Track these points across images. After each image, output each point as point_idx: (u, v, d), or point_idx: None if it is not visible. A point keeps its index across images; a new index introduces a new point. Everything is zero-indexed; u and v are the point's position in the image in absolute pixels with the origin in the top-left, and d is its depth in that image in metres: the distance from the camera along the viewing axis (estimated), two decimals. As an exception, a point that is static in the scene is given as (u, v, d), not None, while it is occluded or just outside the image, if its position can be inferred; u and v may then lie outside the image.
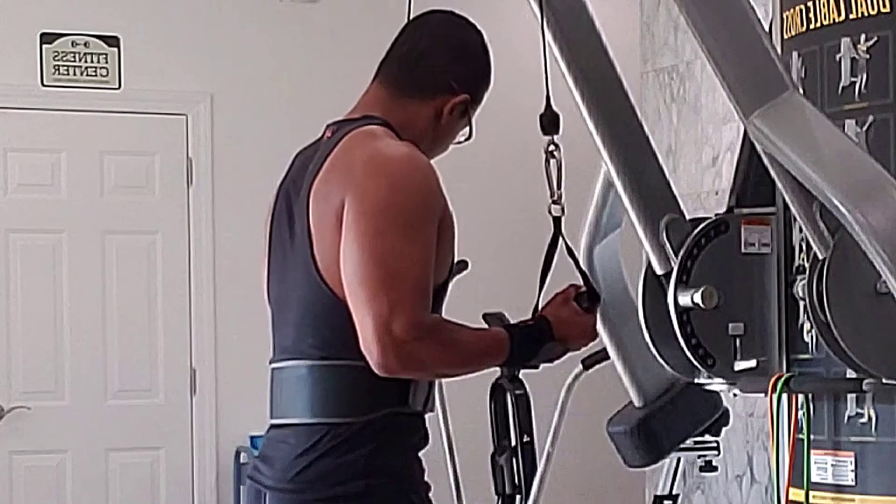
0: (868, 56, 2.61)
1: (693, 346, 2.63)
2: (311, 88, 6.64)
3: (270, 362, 2.91)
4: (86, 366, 6.48)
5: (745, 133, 2.61)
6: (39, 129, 6.48)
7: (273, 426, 2.88)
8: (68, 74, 6.47)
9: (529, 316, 2.90)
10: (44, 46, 6.44)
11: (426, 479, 2.86)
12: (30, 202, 6.45)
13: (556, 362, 2.95)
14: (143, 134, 6.59)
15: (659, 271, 2.68)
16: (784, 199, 2.56)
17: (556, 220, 2.84)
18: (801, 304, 2.61)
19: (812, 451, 2.64)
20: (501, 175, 6.86)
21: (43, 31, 6.44)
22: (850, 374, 2.55)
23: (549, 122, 2.81)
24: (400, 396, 2.78)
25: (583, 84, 2.73)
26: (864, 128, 2.61)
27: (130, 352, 6.55)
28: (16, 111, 6.44)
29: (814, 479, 2.65)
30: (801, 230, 2.62)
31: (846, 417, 2.62)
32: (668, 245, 2.67)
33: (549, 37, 2.73)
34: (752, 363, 2.64)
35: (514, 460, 4.07)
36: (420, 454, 2.86)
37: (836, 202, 2.37)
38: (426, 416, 2.87)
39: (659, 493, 3.99)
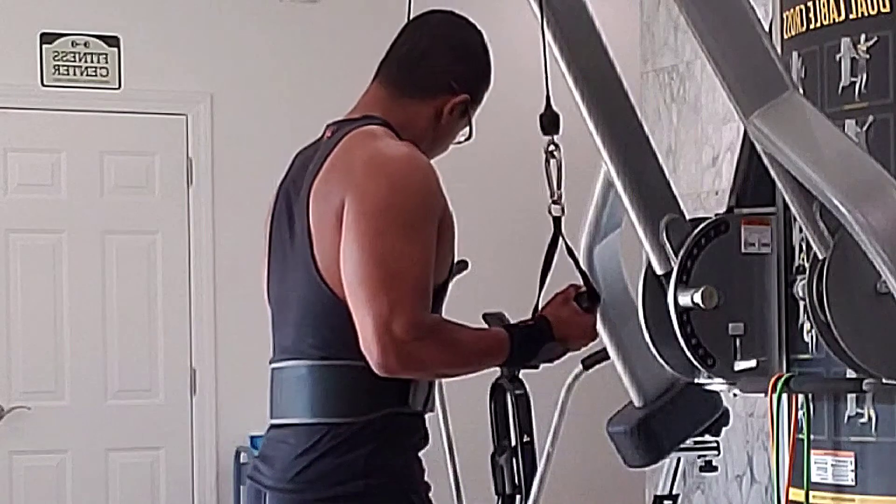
0: (868, 56, 2.61)
1: (693, 346, 2.63)
2: (311, 88, 6.64)
3: (270, 362, 2.91)
4: (86, 366, 6.48)
5: (745, 133, 2.61)
6: (39, 129, 6.48)
7: (273, 426, 2.88)
8: (68, 74, 6.47)
9: (529, 316, 2.90)
10: (44, 46, 6.44)
11: (426, 479, 2.86)
12: (30, 202, 6.45)
13: (556, 362, 2.95)
14: (143, 134, 6.59)
15: (659, 271, 2.68)
16: (784, 199, 2.56)
17: (556, 220, 2.84)
18: (801, 304, 2.61)
19: (812, 451, 2.64)
20: (501, 175, 6.86)
21: (43, 31, 6.44)
22: (850, 374, 2.55)
23: (549, 122, 2.81)
24: (400, 396, 2.78)
25: (583, 84, 2.73)
26: (864, 128, 2.61)
27: (130, 352, 6.55)
28: (16, 111, 6.44)
29: (814, 479, 2.65)
30: (801, 230, 2.62)
31: (846, 417, 2.62)
32: (668, 245, 2.67)
33: (549, 37, 2.73)
34: (752, 363, 2.64)
35: (514, 460, 4.07)
36: (420, 454, 2.86)
37: (836, 202, 2.37)
38: (426, 416, 2.87)
39: (659, 493, 3.99)
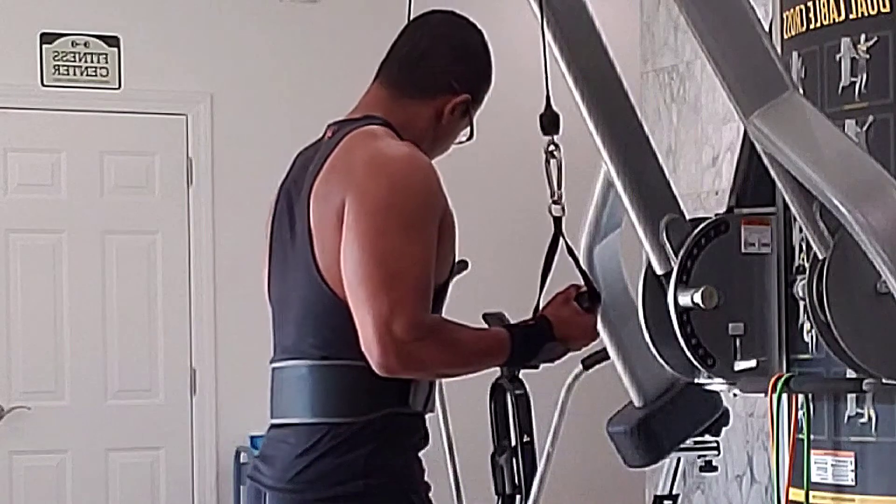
0: (868, 56, 2.61)
1: (693, 346, 2.63)
2: (311, 88, 6.64)
3: (271, 362, 2.91)
4: (86, 366, 6.48)
5: (745, 133, 2.61)
6: (39, 129, 6.48)
7: (273, 426, 2.88)
8: (68, 74, 6.47)
9: (530, 316, 2.90)
10: (44, 46, 6.44)
11: (426, 479, 2.86)
12: (30, 202, 6.45)
13: (557, 362, 2.95)
14: (143, 134, 6.59)
15: (659, 271, 2.68)
16: (784, 199, 2.56)
17: (557, 220, 2.84)
18: (801, 304, 2.61)
19: (812, 451, 2.64)
20: (501, 175, 6.86)
21: (43, 31, 6.44)
22: (850, 374, 2.55)
23: (550, 122, 2.81)
24: (400, 396, 2.78)
25: (583, 84, 2.73)
26: (864, 128, 2.61)
27: (130, 352, 6.55)
28: (16, 111, 6.44)
29: (814, 479, 2.65)
30: (801, 230, 2.62)
31: (846, 417, 2.62)
32: (668, 245, 2.67)
33: (549, 37, 2.73)
34: (752, 363, 2.64)
35: (514, 460, 4.07)
36: (420, 454, 2.86)
37: (836, 202, 2.37)
38: (426, 417, 2.87)
39: (659, 493, 4.00)
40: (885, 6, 2.57)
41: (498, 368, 3.88)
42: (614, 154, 2.72)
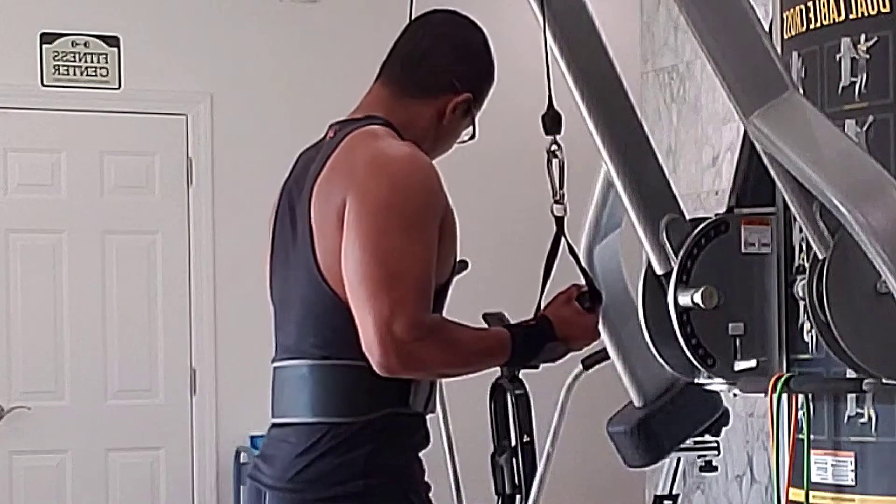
0: (868, 56, 2.61)
1: (693, 346, 2.63)
2: (311, 88, 6.64)
3: (272, 361, 2.91)
4: (86, 366, 6.48)
5: (745, 133, 2.61)
6: (39, 129, 6.48)
7: (274, 425, 2.88)
8: (68, 74, 6.47)
9: (531, 315, 2.90)
10: (44, 46, 6.44)
11: (426, 479, 2.86)
12: (30, 202, 6.45)
13: (557, 362, 2.95)
14: (143, 134, 6.59)
15: (659, 271, 2.68)
16: (784, 199, 2.56)
17: (559, 220, 2.84)
18: (801, 304, 2.61)
19: (812, 451, 2.64)
20: (502, 175, 6.86)
21: (43, 31, 6.44)
22: (850, 374, 2.55)
23: (552, 122, 2.80)
24: (400, 397, 2.78)
25: (583, 84, 2.73)
26: (864, 128, 2.61)
27: (130, 352, 6.55)
28: (16, 111, 6.44)
29: (814, 479, 2.65)
30: (801, 230, 2.62)
31: (846, 417, 2.62)
32: (668, 245, 2.67)
33: (549, 37, 2.73)
34: (752, 363, 2.64)
35: (514, 460, 4.07)
36: (420, 454, 2.86)
37: (836, 202, 2.37)
38: (427, 417, 2.87)
39: (659, 493, 3.99)
40: (885, 6, 2.57)
41: (498, 368, 3.88)
42: (614, 154, 2.72)
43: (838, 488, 2.63)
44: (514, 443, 4.09)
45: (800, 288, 2.58)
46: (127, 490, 6.54)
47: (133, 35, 6.54)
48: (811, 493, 2.64)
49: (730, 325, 2.65)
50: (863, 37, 2.61)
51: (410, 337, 2.64)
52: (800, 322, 2.67)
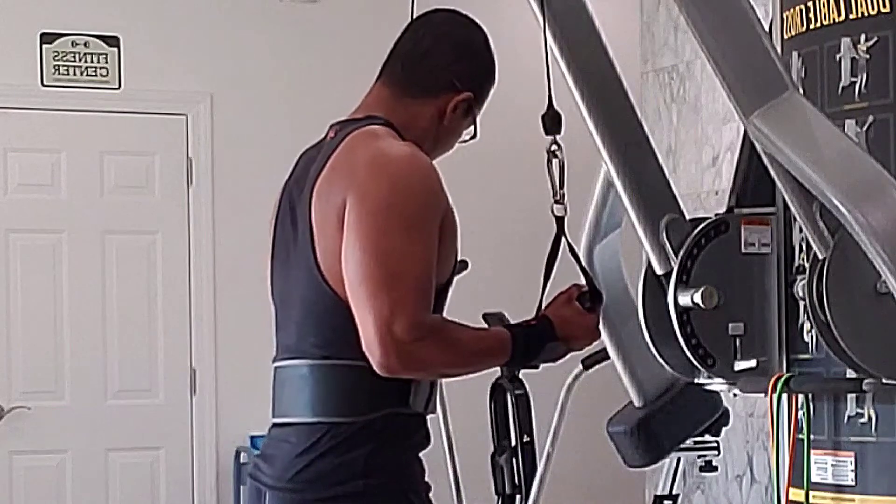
0: (868, 56, 2.61)
1: (693, 346, 2.63)
2: (311, 88, 6.64)
3: (273, 361, 2.91)
4: (86, 366, 6.48)
5: (745, 133, 2.61)
6: (39, 129, 6.48)
7: (275, 425, 2.88)
8: (68, 74, 6.47)
9: (531, 315, 2.89)
10: (44, 46, 6.44)
11: (426, 479, 2.86)
12: (30, 202, 6.45)
13: (557, 362, 2.95)
14: (143, 134, 6.59)
15: (659, 271, 2.68)
16: (784, 199, 2.56)
17: (559, 220, 2.84)
18: (801, 304, 2.61)
19: (812, 451, 2.64)
20: (502, 175, 6.86)
21: (43, 31, 6.44)
22: (850, 374, 2.55)
23: (552, 121, 2.80)
24: (400, 397, 2.78)
25: (583, 84, 2.73)
26: (864, 128, 2.61)
27: (130, 352, 6.55)
28: (16, 111, 6.44)
29: (814, 479, 2.65)
30: (801, 230, 2.62)
31: (846, 417, 2.62)
32: (668, 245, 2.67)
33: (549, 37, 2.73)
34: (752, 363, 2.64)
35: (514, 460, 4.07)
36: (420, 454, 2.86)
37: (836, 202, 2.37)
38: (427, 417, 2.87)
39: (659, 493, 3.99)
40: (885, 6, 2.57)
41: (498, 368, 3.88)
42: (614, 154, 2.72)
43: (838, 488, 2.63)
44: (514, 443, 4.09)
45: (800, 288, 2.58)
46: (127, 490, 6.54)
47: (133, 35, 6.54)
48: (811, 493, 2.64)
49: (730, 325, 2.65)
50: (863, 37, 2.61)
51: (411, 337, 2.64)
52: (800, 322, 2.67)
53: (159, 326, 6.59)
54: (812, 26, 2.69)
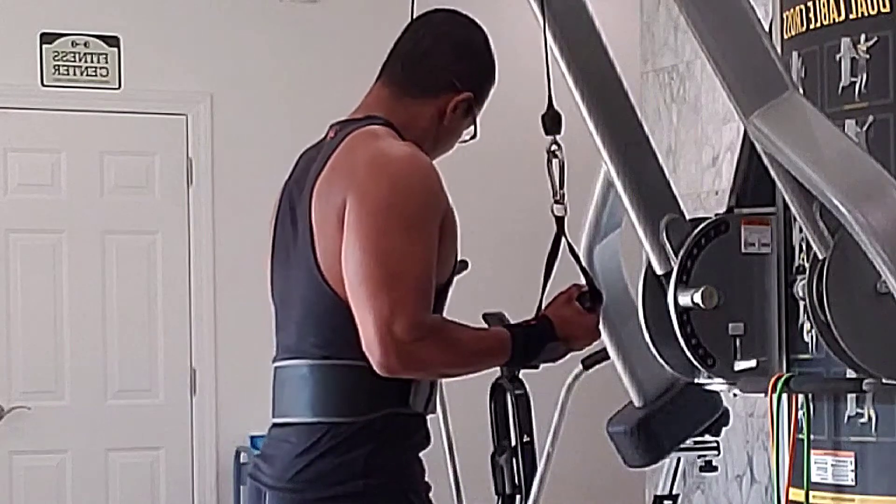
0: (868, 56, 2.61)
1: (693, 346, 2.63)
2: (311, 88, 6.64)
3: (273, 361, 2.91)
4: (86, 366, 6.48)
5: (745, 133, 2.61)
6: (39, 129, 6.48)
7: (275, 425, 2.88)
8: (68, 74, 6.47)
9: (531, 315, 2.89)
10: (44, 46, 6.44)
11: (426, 479, 2.86)
12: (30, 202, 6.45)
13: (557, 362, 2.95)
14: (143, 134, 6.59)
15: (659, 271, 2.68)
16: (784, 199, 2.56)
17: (559, 220, 2.84)
18: (801, 304, 2.61)
19: (812, 451, 2.64)
20: (502, 175, 6.86)
21: (43, 31, 6.44)
22: (850, 374, 2.55)
23: (552, 121, 2.80)
24: (400, 397, 2.78)
25: (583, 84, 2.73)
26: (864, 128, 2.61)
27: (130, 352, 6.55)
28: (16, 111, 6.44)
29: (814, 479, 2.65)
30: (801, 230, 2.62)
31: (846, 417, 2.62)
32: (668, 245, 2.67)
33: (549, 37, 2.73)
34: (752, 363, 2.64)
35: (514, 460, 4.07)
36: (420, 454, 2.86)
37: (836, 202, 2.37)
38: (427, 418, 2.87)
39: (659, 493, 4.00)
40: (885, 6, 2.57)
41: (498, 368, 3.88)
42: (614, 154, 2.72)
43: (838, 488, 2.64)
44: (514, 443, 4.09)
45: (800, 288, 2.58)
46: (127, 490, 6.54)
47: (133, 35, 6.54)
48: (811, 493, 2.64)
49: (730, 325, 2.65)
50: (863, 37, 2.61)
51: (410, 337, 2.64)
52: (800, 322, 2.67)
53: (159, 326, 6.59)
54: (812, 26, 2.69)
